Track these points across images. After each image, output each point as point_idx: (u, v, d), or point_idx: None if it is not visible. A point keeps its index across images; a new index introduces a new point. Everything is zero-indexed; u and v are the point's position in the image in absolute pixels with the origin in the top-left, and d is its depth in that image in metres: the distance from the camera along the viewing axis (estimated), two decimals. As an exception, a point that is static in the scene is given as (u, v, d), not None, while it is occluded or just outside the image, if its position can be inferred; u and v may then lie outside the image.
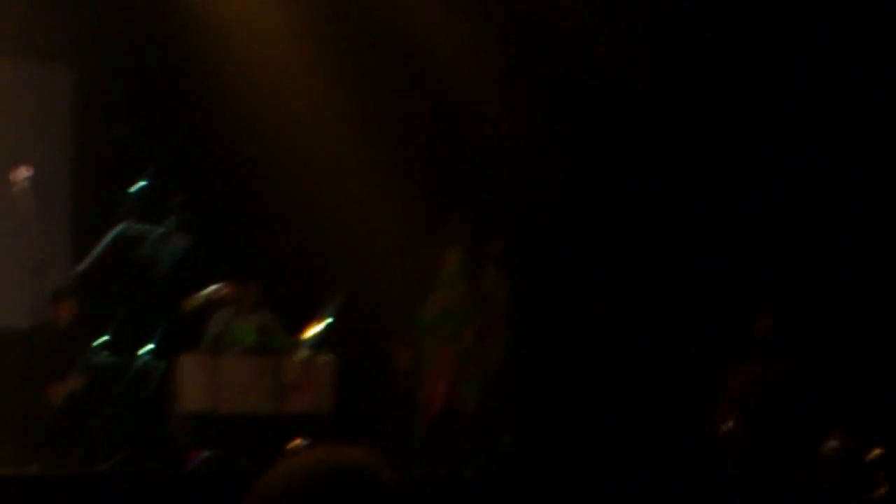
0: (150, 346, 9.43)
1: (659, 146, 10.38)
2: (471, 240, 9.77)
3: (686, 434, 9.68)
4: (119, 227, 9.46)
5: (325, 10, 10.52)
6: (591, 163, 10.48)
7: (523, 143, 10.40)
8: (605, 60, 10.11)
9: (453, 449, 9.72)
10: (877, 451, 8.53)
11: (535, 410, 10.24)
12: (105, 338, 9.40)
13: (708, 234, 10.29)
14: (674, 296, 10.18)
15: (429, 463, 9.63)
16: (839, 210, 9.92)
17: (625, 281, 10.32)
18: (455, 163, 10.74)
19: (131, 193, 9.63)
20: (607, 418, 10.21)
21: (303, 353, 9.76)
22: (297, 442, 9.10)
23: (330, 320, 9.71)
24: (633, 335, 10.30)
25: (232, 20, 10.34)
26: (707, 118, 10.16)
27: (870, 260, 9.97)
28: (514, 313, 9.86)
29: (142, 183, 9.68)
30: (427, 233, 10.21)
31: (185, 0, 10.32)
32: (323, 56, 10.49)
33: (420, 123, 10.70)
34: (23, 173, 9.17)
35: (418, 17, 10.25)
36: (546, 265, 10.53)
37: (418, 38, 10.33)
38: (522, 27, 10.30)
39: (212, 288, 9.38)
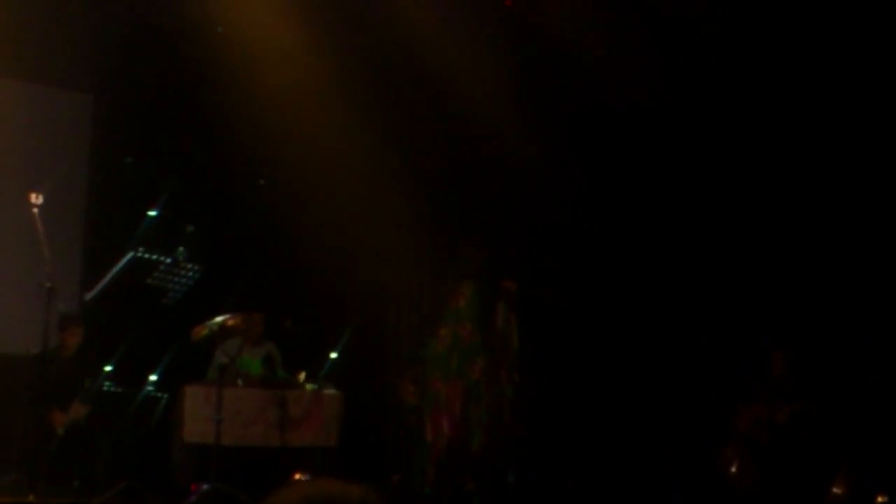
0: (155, 376, 9.44)
1: (675, 193, 10.23)
2: (483, 276, 9.63)
3: (694, 475, 9.56)
4: (129, 255, 9.34)
5: (343, 42, 10.46)
6: (607, 200, 10.35)
7: (539, 181, 10.27)
8: (625, 91, 9.90)
9: (458, 486, 9.57)
10: (882, 499, 8.52)
11: (542, 448, 10.14)
12: (110, 367, 9.32)
13: (723, 271, 10.06)
14: (685, 335, 9.93)
15: (434, 499, 9.54)
16: (856, 250, 9.67)
17: (637, 321, 10.13)
18: (469, 198, 10.63)
19: (143, 222, 9.69)
20: (616, 458, 10.06)
21: (309, 387, 9.69)
22: (301, 476, 9.07)
23: (336, 354, 9.73)
24: (643, 375, 10.12)
25: (250, 50, 10.30)
26: (732, 150, 9.92)
27: (887, 303, 9.70)
28: (524, 351, 9.72)
29: (154, 211, 9.71)
30: (438, 267, 10.13)
31: (204, 31, 10.33)
32: (339, 87, 10.41)
33: (435, 158, 10.64)
34: (35, 199, 9.02)
35: (436, 49, 10.16)
36: (557, 304, 10.34)
37: (436, 71, 10.27)
38: (538, 62, 10.25)
39: (219, 318, 9.19)
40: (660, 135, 10.01)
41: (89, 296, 9.68)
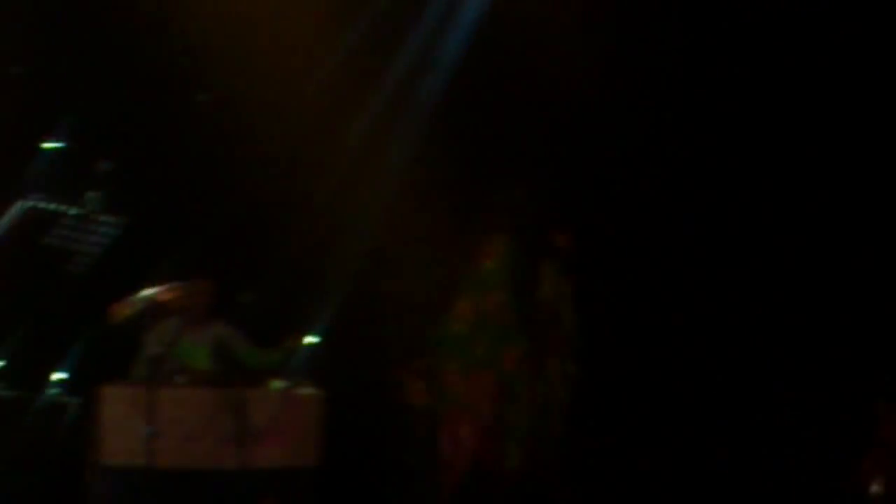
0: (62, 374, 9.40)
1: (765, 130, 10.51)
2: (523, 228, 9.33)
3: (824, 497, 9.46)
4: (18, 206, 9.32)
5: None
6: (696, 131, 10.42)
7: (606, 105, 10.27)
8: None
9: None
10: None
11: (607, 468, 10.10)
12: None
13: (866, 229, 10.26)
14: (799, 315, 10.04)
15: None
16: None
17: (742, 293, 10.25)
18: (505, 122, 10.54)
19: (38, 158, 9.56)
20: (712, 478, 10.05)
21: (276, 385, 9.28)
22: None
23: (314, 339, 9.67)
24: (751, 366, 10.13)
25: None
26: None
27: None
28: (582, 333, 9.47)
29: (52, 143, 9.63)
30: (458, 217, 9.85)
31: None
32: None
33: (452, 68, 10.74)
34: None
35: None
36: (630, 268, 10.39)
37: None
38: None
39: (149, 291, 8.87)
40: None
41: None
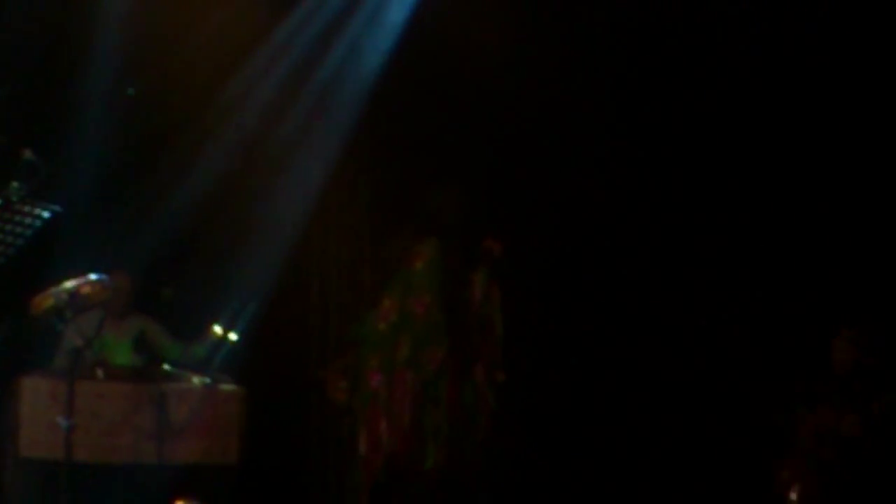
0: None
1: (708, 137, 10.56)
2: (454, 232, 9.30)
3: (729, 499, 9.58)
4: None
5: None
6: (625, 137, 10.41)
7: (540, 108, 10.29)
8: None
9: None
10: None
11: (531, 471, 10.08)
12: None
13: (771, 232, 10.27)
14: (725, 317, 10.06)
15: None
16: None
17: (660, 300, 10.25)
18: (438, 124, 10.53)
19: None
20: (632, 484, 10.11)
21: (198, 380, 9.27)
22: None
23: (236, 336, 9.54)
24: (668, 372, 10.11)
25: None
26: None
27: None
28: (509, 340, 9.40)
29: None
30: (389, 218, 9.97)
31: None
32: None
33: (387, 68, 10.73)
34: None
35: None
36: (557, 274, 10.38)
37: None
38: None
39: (70, 283, 8.46)
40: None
41: None
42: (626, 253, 10.45)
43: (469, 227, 9.45)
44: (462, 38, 10.38)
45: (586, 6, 10.51)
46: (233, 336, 9.64)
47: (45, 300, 8.48)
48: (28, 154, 8.51)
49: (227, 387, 9.31)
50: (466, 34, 10.38)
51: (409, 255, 9.34)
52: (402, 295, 9.30)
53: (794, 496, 9.20)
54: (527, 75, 10.30)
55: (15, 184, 8.52)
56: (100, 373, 8.98)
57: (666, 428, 10.10)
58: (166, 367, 9.44)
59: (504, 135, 10.58)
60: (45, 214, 8.68)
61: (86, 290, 8.48)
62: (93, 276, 8.60)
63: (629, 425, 10.29)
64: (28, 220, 8.66)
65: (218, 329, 9.72)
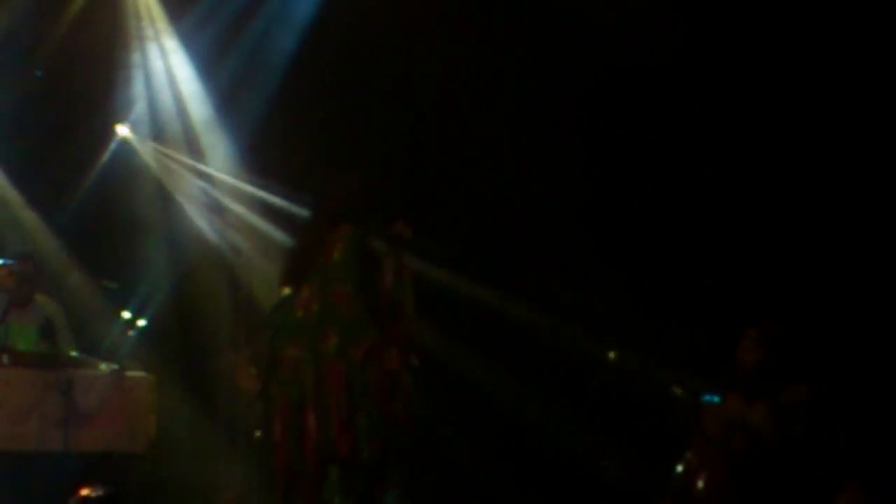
0: None
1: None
2: (363, 219, 8.92)
3: (645, 495, 9.37)
4: None
5: None
6: (542, 121, 10.41)
7: (452, 90, 10.21)
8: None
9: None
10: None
11: (441, 459, 9.94)
12: None
13: (679, 224, 10.14)
14: (631, 308, 9.98)
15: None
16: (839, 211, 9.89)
17: (571, 289, 10.19)
18: (346, 107, 10.53)
19: None
20: (541, 472, 10.11)
21: (105, 367, 9.26)
22: (90, 491, 8.34)
23: (144, 322, 9.52)
24: (577, 362, 10.00)
25: None
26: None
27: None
28: (423, 324, 9.21)
29: None
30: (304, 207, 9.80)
31: None
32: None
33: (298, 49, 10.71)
34: None
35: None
36: (470, 259, 10.32)
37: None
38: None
39: None
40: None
41: None
42: (536, 233, 10.37)
43: (378, 213, 9.06)
44: (369, 25, 10.41)
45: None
46: (141, 322, 9.54)
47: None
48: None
49: (136, 374, 9.30)
50: (374, 21, 10.40)
51: (325, 245, 9.02)
52: (322, 285, 8.96)
53: (700, 484, 9.12)
54: (434, 60, 10.24)
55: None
56: (5, 359, 8.98)
57: (574, 413, 10.02)
58: (74, 353, 9.38)
59: (410, 119, 10.54)
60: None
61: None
62: (-1, 262, 8.87)
63: (539, 412, 10.20)
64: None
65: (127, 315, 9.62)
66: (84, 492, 8.35)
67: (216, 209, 10.79)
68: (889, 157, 9.98)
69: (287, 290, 9.21)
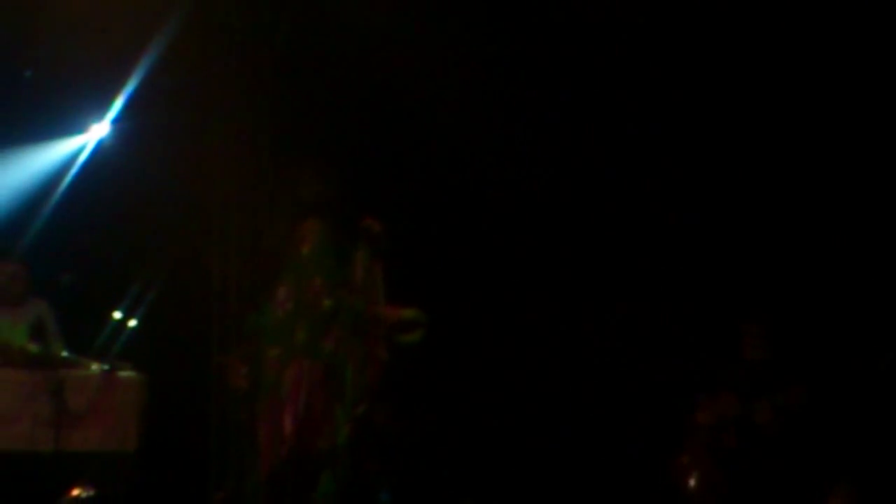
0: None
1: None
2: (333, 211, 9.11)
3: (639, 492, 9.57)
4: None
5: None
6: (520, 118, 10.46)
7: (421, 81, 10.31)
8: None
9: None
10: None
11: (425, 456, 10.04)
12: None
13: (678, 223, 10.29)
14: (618, 305, 10.11)
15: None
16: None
17: (559, 286, 10.26)
18: (317, 102, 10.55)
19: None
20: (529, 469, 10.12)
21: (96, 367, 9.22)
22: (81, 491, 8.67)
23: (135, 322, 9.57)
24: (569, 357, 10.16)
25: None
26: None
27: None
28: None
29: None
30: (283, 201, 9.85)
31: None
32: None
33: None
34: None
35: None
36: (447, 255, 10.38)
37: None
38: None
39: None
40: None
41: None
42: (515, 230, 10.40)
43: (347, 207, 9.20)
44: (338, 18, 10.38)
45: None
46: (132, 322, 9.58)
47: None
48: None
49: (127, 373, 9.27)
50: (342, 16, 10.37)
51: (295, 240, 9.23)
52: (296, 281, 9.17)
53: (692, 483, 9.22)
54: (404, 53, 10.25)
55: None
56: (-7, 358, 9.13)
57: (559, 412, 10.09)
58: (64, 353, 9.35)
59: (378, 113, 10.56)
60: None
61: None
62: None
63: (527, 408, 10.25)
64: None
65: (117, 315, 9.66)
66: (75, 492, 8.57)
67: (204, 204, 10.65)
68: (889, 156, 9.86)
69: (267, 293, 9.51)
